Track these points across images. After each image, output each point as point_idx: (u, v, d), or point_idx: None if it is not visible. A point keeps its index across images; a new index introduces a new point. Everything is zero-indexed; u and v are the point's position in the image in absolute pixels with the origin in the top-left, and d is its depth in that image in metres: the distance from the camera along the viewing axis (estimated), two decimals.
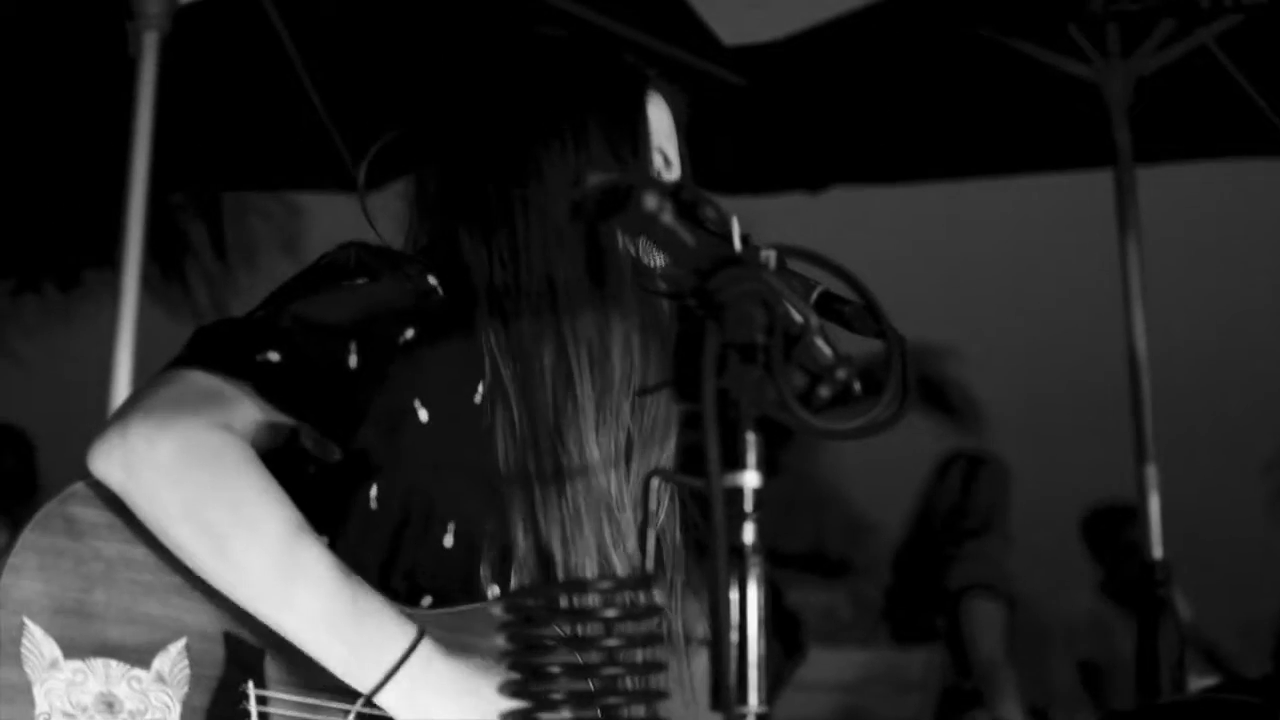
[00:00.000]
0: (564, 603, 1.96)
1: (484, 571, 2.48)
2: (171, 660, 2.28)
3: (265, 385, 2.31)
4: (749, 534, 1.80)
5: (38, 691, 2.23)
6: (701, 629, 4.34)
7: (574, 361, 2.49)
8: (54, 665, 2.24)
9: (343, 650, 2.26)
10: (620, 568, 2.49)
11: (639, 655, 1.91)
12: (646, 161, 2.60)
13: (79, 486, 2.31)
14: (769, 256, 1.95)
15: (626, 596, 1.96)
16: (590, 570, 2.47)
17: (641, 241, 2.48)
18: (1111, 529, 8.25)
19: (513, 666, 1.95)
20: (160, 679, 2.28)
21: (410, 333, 2.44)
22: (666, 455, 2.58)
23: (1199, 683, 5.71)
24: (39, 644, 2.24)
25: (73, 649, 2.26)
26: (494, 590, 2.48)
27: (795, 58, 6.89)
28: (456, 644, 2.36)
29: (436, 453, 2.47)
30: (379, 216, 2.65)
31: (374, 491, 2.46)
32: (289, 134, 7.30)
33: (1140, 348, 6.52)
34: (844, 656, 7.62)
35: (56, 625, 2.25)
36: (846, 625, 9.03)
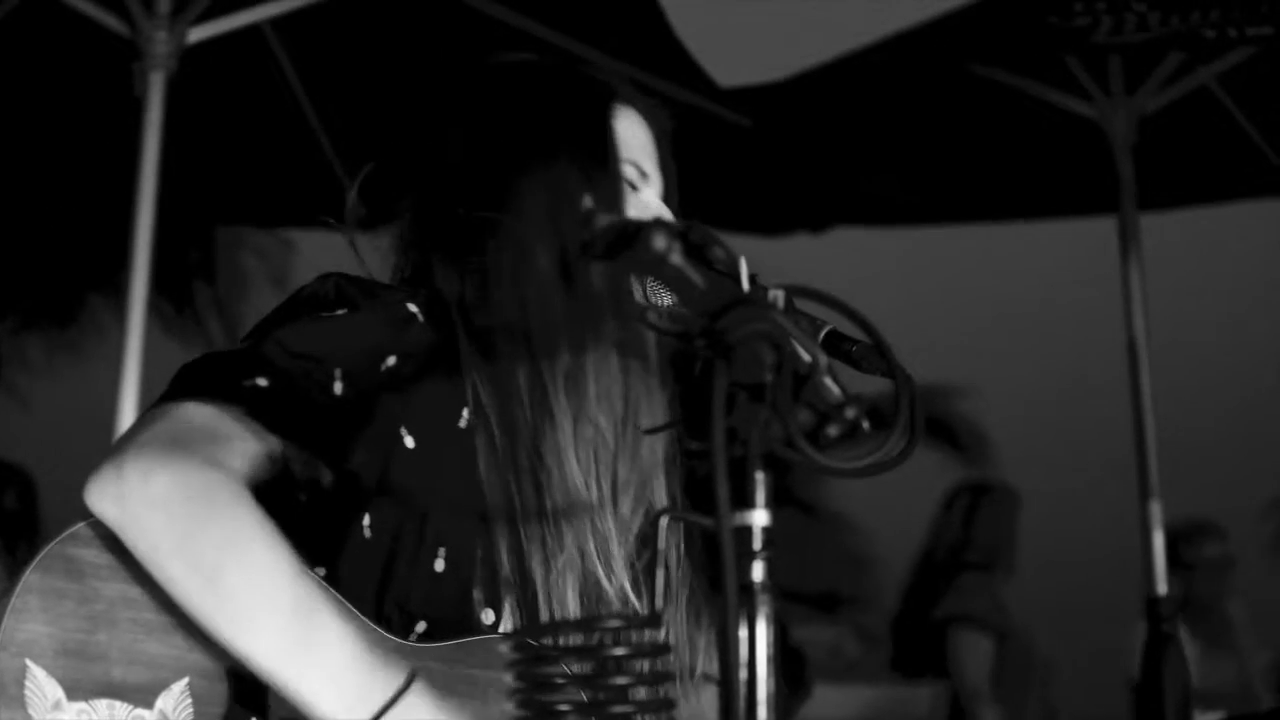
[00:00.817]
0: (572, 640, 1.96)
1: (477, 595, 2.48)
2: (175, 699, 2.28)
3: (256, 408, 2.32)
4: (758, 572, 1.81)
5: None
6: (709, 664, 4.35)
7: (550, 390, 2.49)
8: (57, 706, 2.24)
9: (333, 691, 2.26)
10: (607, 599, 2.49)
11: (646, 691, 1.92)
12: (617, 180, 2.59)
13: (80, 528, 2.31)
14: (777, 296, 1.96)
15: (633, 635, 1.97)
16: (573, 599, 2.48)
17: (649, 281, 2.49)
18: (1192, 546, 8.13)
19: (522, 704, 1.96)
20: (164, 718, 2.28)
21: (392, 360, 2.45)
22: (660, 482, 2.58)
23: (1204, 718, 5.71)
24: (42, 686, 2.24)
25: (76, 690, 2.25)
26: (488, 614, 2.47)
27: (798, 98, 6.91)
28: (453, 677, 2.37)
29: (424, 479, 2.47)
30: (376, 254, 2.67)
31: (367, 520, 2.46)
32: (293, 171, 7.32)
33: (1144, 386, 6.52)
34: (850, 693, 7.62)
35: (59, 667, 2.25)
36: (852, 662, 9.03)
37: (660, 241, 1.94)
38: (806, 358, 1.91)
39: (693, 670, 2.55)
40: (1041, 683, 7.88)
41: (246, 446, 2.33)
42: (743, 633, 1.79)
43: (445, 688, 2.35)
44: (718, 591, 1.75)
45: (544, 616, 2.45)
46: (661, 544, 2.37)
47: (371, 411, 2.42)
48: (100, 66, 6.28)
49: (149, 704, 2.28)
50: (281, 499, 2.35)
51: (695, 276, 1.96)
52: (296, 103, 6.95)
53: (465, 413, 2.51)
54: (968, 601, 7.61)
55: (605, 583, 2.49)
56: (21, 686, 2.23)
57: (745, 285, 1.98)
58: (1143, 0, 5.65)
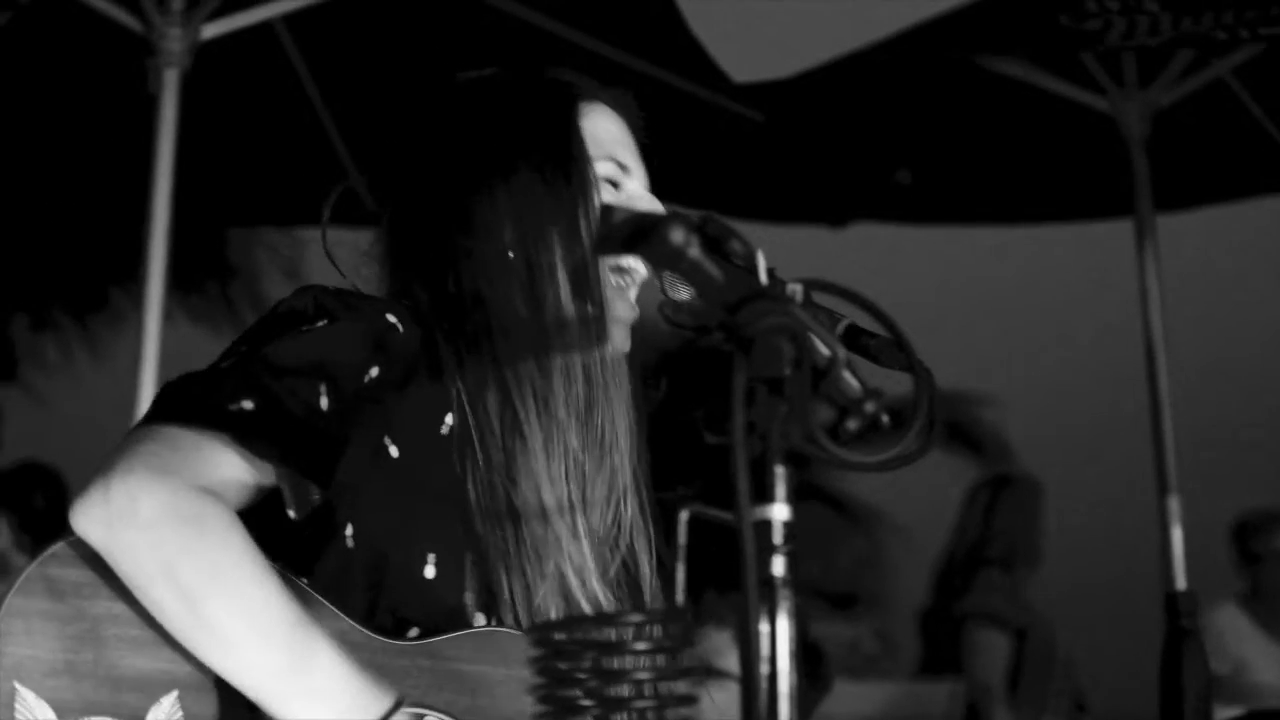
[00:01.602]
0: (590, 635, 1.96)
1: (469, 600, 2.48)
2: (165, 713, 2.28)
3: (243, 434, 2.31)
4: (779, 567, 1.80)
5: None
6: (724, 661, 4.33)
7: (518, 401, 2.50)
8: None
9: (305, 706, 2.25)
10: (586, 601, 2.49)
11: (659, 688, 1.91)
12: (586, 183, 2.59)
13: (59, 547, 2.30)
14: (796, 290, 1.95)
15: (653, 629, 1.96)
16: (554, 603, 2.48)
17: (666, 275, 2.48)
18: (1262, 537, 8.05)
19: (542, 700, 1.95)
20: None
21: (375, 371, 2.44)
22: (626, 487, 2.58)
23: (1225, 714, 5.69)
24: (32, 708, 2.23)
25: (66, 710, 2.25)
26: (480, 619, 2.47)
27: (812, 94, 6.90)
28: (442, 674, 2.37)
29: (410, 486, 2.47)
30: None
31: (349, 530, 2.45)
32: (304, 168, 7.33)
33: (1162, 382, 6.51)
34: (867, 689, 7.61)
35: (48, 688, 2.25)
36: (870, 658, 9.02)
37: (678, 235, 1.93)
38: (825, 352, 1.90)
39: (705, 667, 2.56)
40: (1065, 677, 7.85)
41: (234, 473, 2.32)
42: (764, 628, 1.78)
43: (434, 686, 2.35)
44: (738, 587, 1.75)
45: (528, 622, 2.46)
46: (682, 539, 2.36)
47: (355, 423, 2.41)
48: (114, 63, 6.28)
49: (140, 718, 2.27)
50: (270, 517, 2.35)
51: (713, 270, 1.95)
52: (308, 99, 6.95)
53: (448, 419, 2.50)
54: (985, 599, 7.59)
55: (579, 593, 2.49)
56: (11, 710, 2.23)
57: (763, 279, 1.98)
58: (1155, 1, 5.63)
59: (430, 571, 2.46)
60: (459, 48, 6.33)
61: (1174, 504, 6.37)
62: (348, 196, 2.71)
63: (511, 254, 2.53)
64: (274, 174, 7.53)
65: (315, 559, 2.43)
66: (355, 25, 6.52)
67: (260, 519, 2.32)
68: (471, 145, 2.62)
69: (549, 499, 2.49)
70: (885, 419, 1.88)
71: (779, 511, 1.81)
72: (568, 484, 2.51)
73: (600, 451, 2.54)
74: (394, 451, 2.46)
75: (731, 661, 4.40)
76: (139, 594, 2.25)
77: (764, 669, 1.78)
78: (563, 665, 1.98)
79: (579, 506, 2.51)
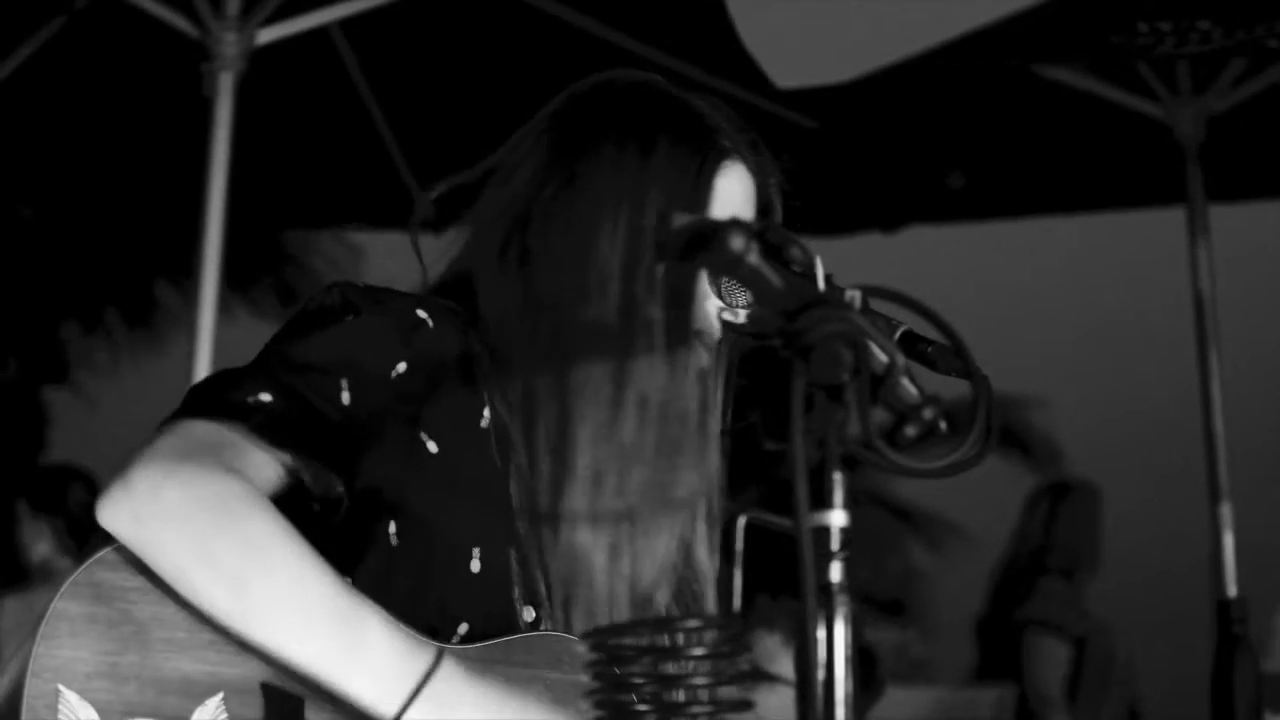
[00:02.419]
0: (646, 641, 1.96)
1: (517, 594, 2.48)
2: (210, 715, 2.28)
3: (260, 425, 2.31)
4: (836, 573, 1.80)
5: None
6: (776, 665, 4.34)
7: (575, 404, 2.46)
8: None
9: (365, 679, 2.24)
10: (629, 605, 2.48)
11: (715, 693, 1.92)
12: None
13: (106, 552, 2.29)
14: (854, 296, 1.95)
15: (710, 635, 1.96)
16: (600, 605, 2.48)
17: (724, 281, 2.48)
18: None
19: (598, 705, 1.96)
20: None
21: (402, 367, 2.43)
22: (695, 509, 2.57)
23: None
24: (75, 710, 2.24)
25: (109, 712, 2.25)
26: (529, 612, 2.47)
27: (866, 100, 6.90)
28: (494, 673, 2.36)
29: (451, 482, 2.46)
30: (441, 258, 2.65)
31: (392, 528, 2.44)
32: (359, 172, 7.36)
33: (1214, 388, 6.49)
34: (916, 694, 7.61)
35: (91, 690, 2.25)
36: (917, 663, 9.02)
37: (738, 241, 1.93)
38: (884, 358, 1.90)
39: (757, 673, 2.55)
40: (1123, 683, 7.83)
41: (256, 459, 2.32)
42: (820, 633, 1.79)
43: (471, 670, 2.34)
44: (791, 592, 1.75)
45: (589, 616, 2.46)
46: (739, 545, 2.36)
47: (384, 420, 2.41)
48: (169, 68, 6.32)
49: None
50: (296, 509, 2.35)
51: (773, 277, 1.95)
52: (362, 103, 6.98)
53: (486, 413, 2.50)
54: (1045, 606, 7.58)
55: (633, 599, 2.49)
56: (55, 711, 2.23)
57: (821, 285, 1.98)
58: (1206, 16, 5.62)
59: (476, 566, 2.46)
60: (513, 53, 6.35)
61: (1226, 510, 6.35)
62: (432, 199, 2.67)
63: (606, 269, 2.46)
64: (328, 177, 7.56)
65: (358, 560, 2.44)
66: (410, 30, 6.54)
67: (291, 517, 2.31)
68: (602, 161, 2.54)
69: (591, 495, 2.47)
70: (943, 425, 1.88)
71: (837, 518, 1.82)
72: (614, 485, 2.49)
73: (662, 459, 2.51)
74: (432, 447, 2.45)
75: (783, 666, 4.41)
76: (173, 582, 2.25)
77: (821, 674, 1.78)
78: (619, 670, 1.99)
79: (624, 508, 2.49)
